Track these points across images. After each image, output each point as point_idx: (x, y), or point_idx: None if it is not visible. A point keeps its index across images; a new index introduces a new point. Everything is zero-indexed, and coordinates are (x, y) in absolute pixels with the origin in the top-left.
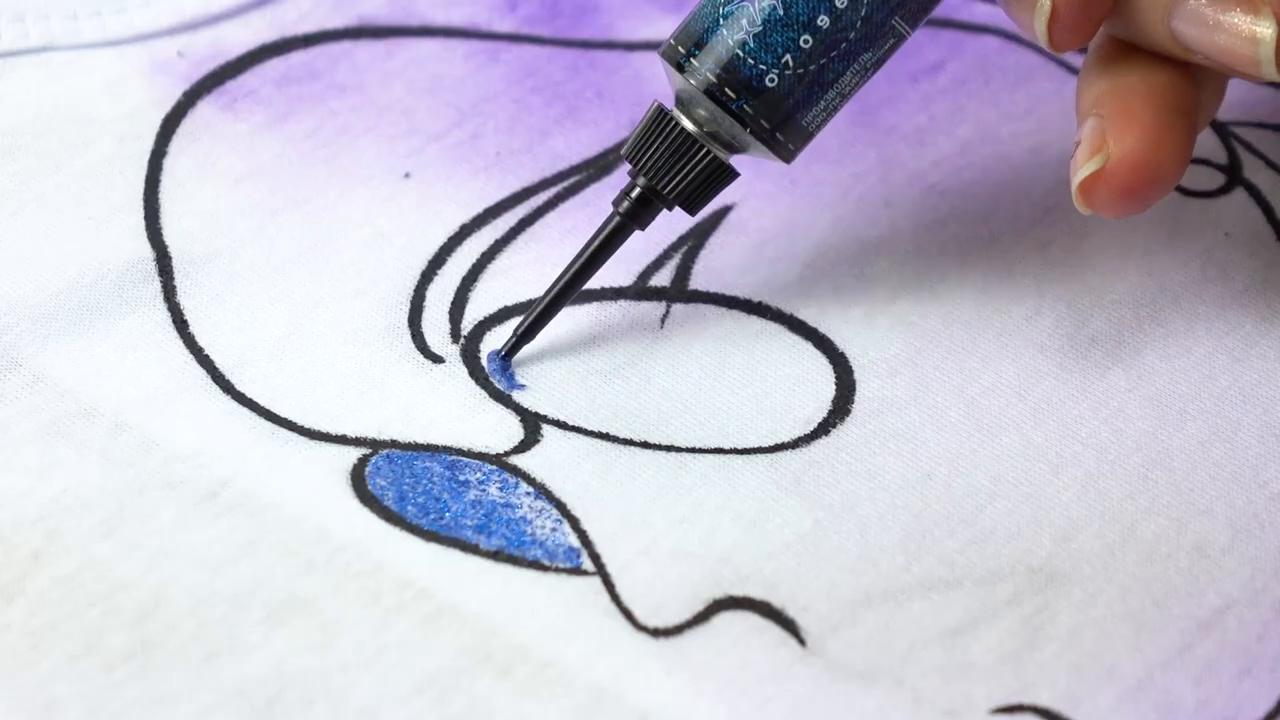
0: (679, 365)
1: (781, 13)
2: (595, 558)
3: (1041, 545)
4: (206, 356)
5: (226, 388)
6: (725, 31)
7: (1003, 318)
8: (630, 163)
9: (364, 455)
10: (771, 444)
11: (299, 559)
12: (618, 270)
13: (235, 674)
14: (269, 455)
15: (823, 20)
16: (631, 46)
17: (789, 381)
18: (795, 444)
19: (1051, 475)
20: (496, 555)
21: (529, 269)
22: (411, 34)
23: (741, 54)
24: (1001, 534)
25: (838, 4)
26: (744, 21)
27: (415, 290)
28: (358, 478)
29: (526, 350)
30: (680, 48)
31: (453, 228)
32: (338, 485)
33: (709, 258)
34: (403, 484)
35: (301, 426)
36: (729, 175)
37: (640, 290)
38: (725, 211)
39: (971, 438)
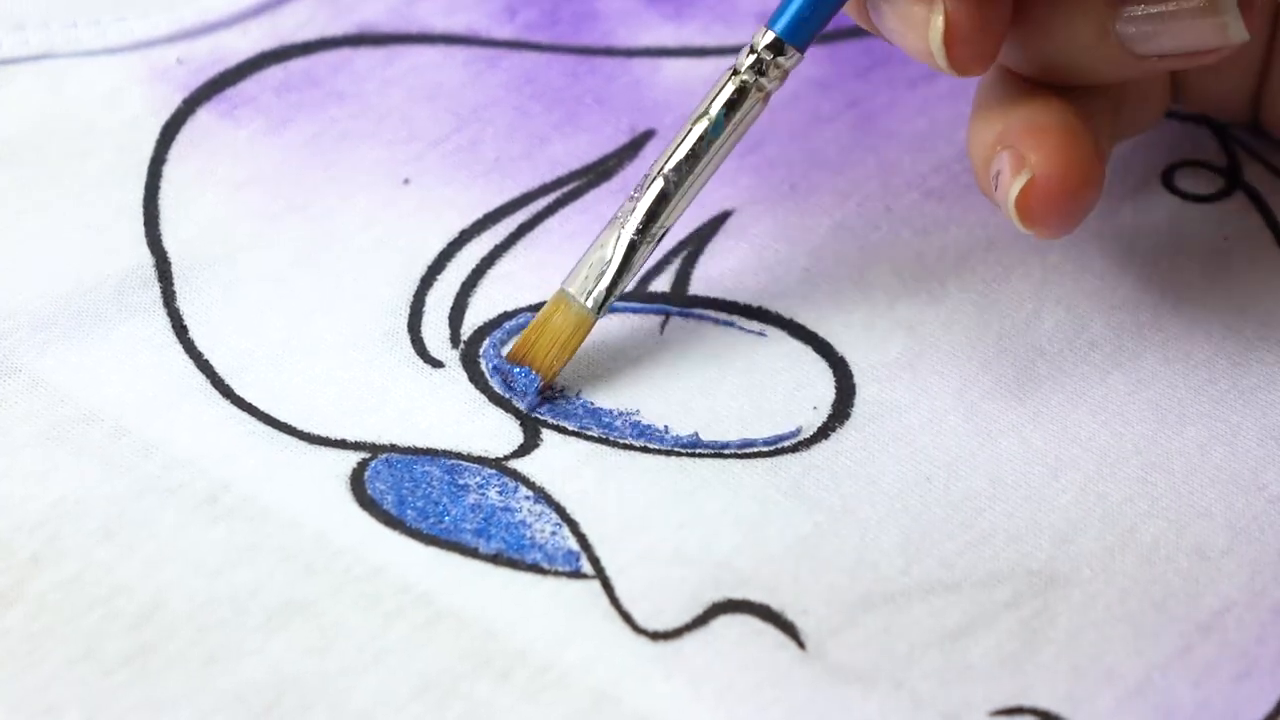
0: (679, 370)
1: None
2: (594, 561)
3: (1041, 548)
4: (206, 362)
5: (226, 393)
6: None
7: (1002, 322)
8: None
9: (363, 459)
10: (771, 448)
11: (298, 563)
12: None
13: (234, 678)
14: (268, 460)
15: None
16: (631, 53)
17: (788, 386)
18: (795, 448)
19: (1051, 478)
20: (496, 559)
21: (528, 274)
22: (411, 41)
23: None
24: (1001, 537)
25: None
26: None
27: (415, 295)
28: (357, 482)
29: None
30: None
31: (452, 233)
32: (337, 489)
33: (708, 263)
34: (402, 488)
35: (301, 431)
36: None
37: (641, 296)
38: (724, 217)
39: (971, 441)
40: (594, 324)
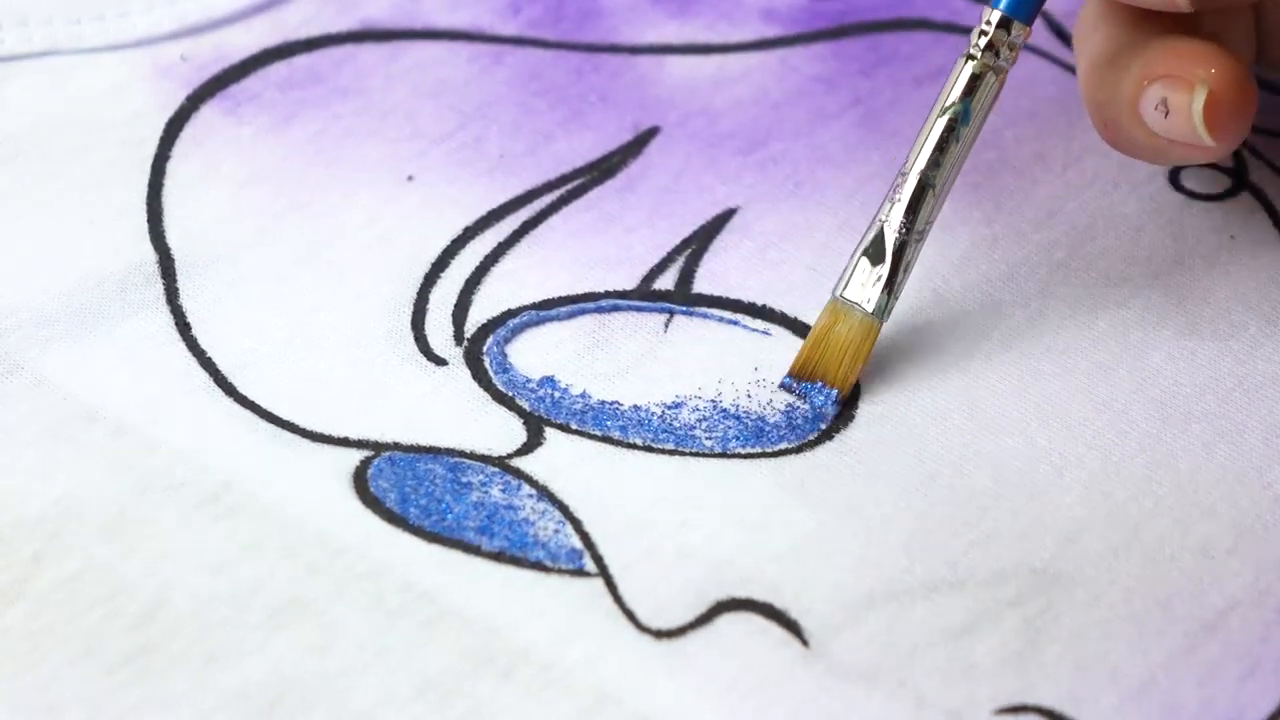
0: (683, 369)
1: None
2: (598, 559)
3: (1045, 546)
4: (209, 359)
5: (229, 390)
6: None
7: (1007, 320)
8: None
9: (366, 457)
10: (775, 449)
11: (300, 561)
12: (621, 273)
13: (236, 676)
14: (271, 457)
15: None
16: (636, 50)
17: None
18: (799, 447)
19: (1055, 477)
20: (498, 557)
21: (532, 272)
22: (415, 37)
23: None
24: (1005, 535)
25: None
26: None
27: (418, 293)
28: (360, 480)
29: (527, 354)
30: None
31: (456, 230)
32: (340, 487)
33: (712, 261)
34: (405, 486)
35: (304, 429)
36: None
37: (644, 294)
38: (729, 215)
39: (975, 439)
40: (880, 330)
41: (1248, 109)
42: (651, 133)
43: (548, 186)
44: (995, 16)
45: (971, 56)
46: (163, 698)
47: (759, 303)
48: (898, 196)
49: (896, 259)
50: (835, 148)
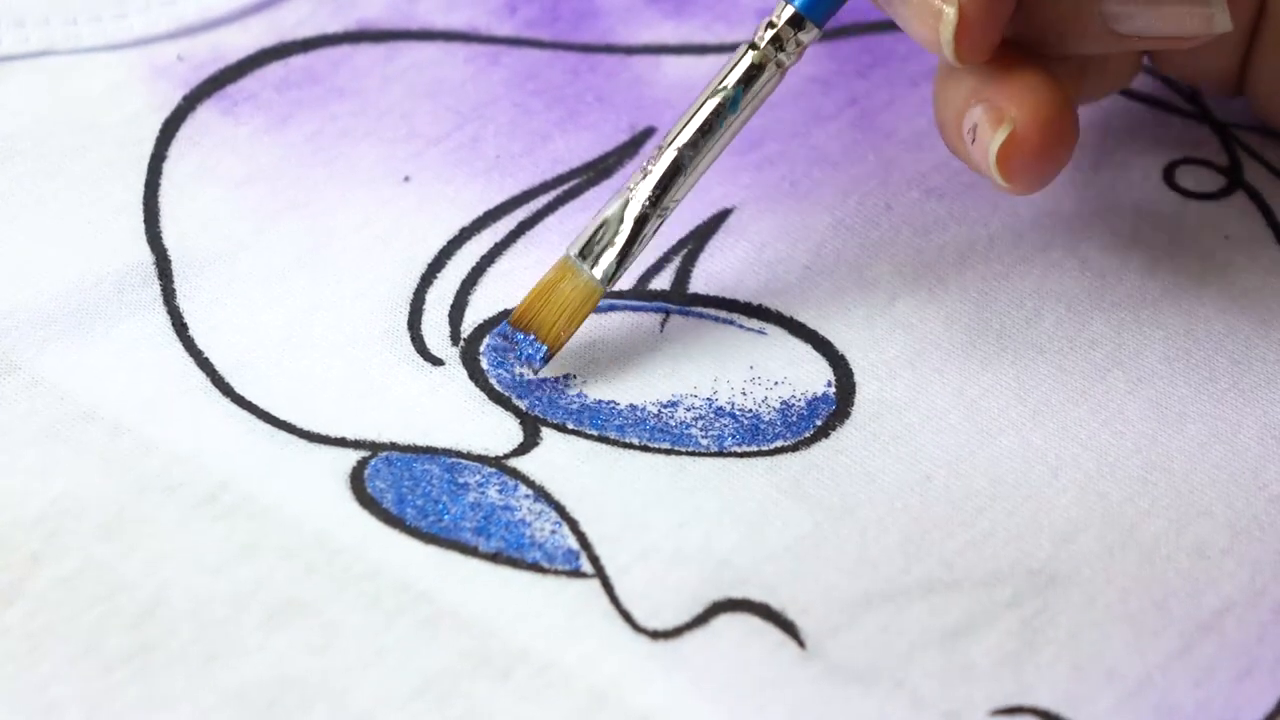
0: (679, 368)
1: None
2: (594, 560)
3: (1041, 547)
4: (206, 359)
5: (226, 390)
6: None
7: (1002, 320)
8: None
9: (363, 458)
10: (771, 447)
11: (298, 561)
12: None
13: (235, 676)
14: (268, 458)
15: None
16: (631, 50)
17: (788, 384)
18: (795, 447)
19: (1051, 477)
20: (495, 558)
21: (528, 272)
22: (411, 38)
23: None
24: (1001, 536)
25: None
26: None
27: (415, 293)
28: (357, 480)
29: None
30: None
31: (452, 231)
32: (337, 488)
33: (708, 261)
34: (402, 486)
35: (301, 429)
36: None
37: (641, 294)
38: (725, 215)
39: (971, 440)
40: (602, 295)
41: (1050, 156)
42: (647, 133)
43: (544, 187)
44: (788, 12)
45: (755, 46)
46: (161, 697)
47: (755, 302)
48: (650, 169)
49: (636, 230)
50: (831, 148)
